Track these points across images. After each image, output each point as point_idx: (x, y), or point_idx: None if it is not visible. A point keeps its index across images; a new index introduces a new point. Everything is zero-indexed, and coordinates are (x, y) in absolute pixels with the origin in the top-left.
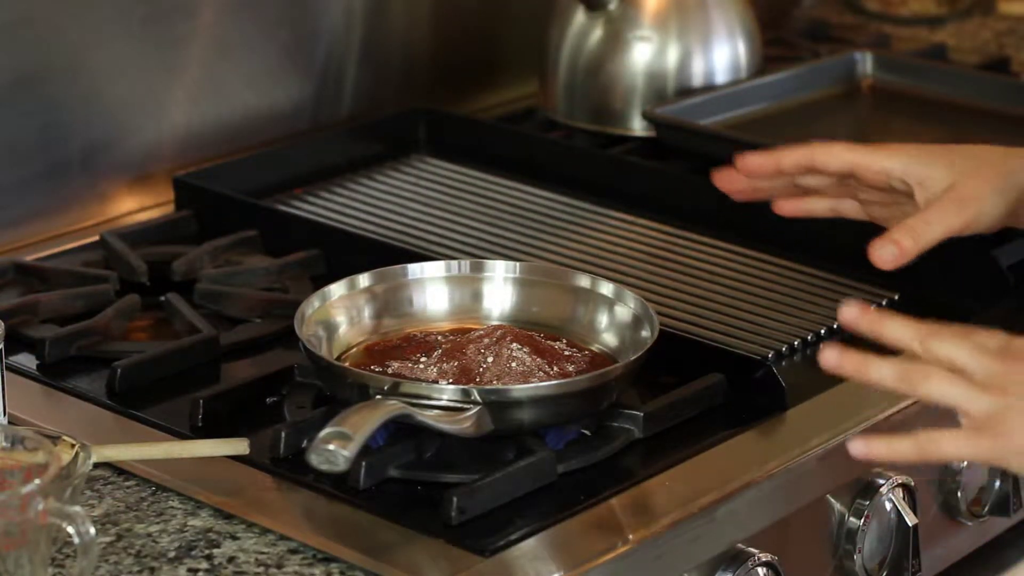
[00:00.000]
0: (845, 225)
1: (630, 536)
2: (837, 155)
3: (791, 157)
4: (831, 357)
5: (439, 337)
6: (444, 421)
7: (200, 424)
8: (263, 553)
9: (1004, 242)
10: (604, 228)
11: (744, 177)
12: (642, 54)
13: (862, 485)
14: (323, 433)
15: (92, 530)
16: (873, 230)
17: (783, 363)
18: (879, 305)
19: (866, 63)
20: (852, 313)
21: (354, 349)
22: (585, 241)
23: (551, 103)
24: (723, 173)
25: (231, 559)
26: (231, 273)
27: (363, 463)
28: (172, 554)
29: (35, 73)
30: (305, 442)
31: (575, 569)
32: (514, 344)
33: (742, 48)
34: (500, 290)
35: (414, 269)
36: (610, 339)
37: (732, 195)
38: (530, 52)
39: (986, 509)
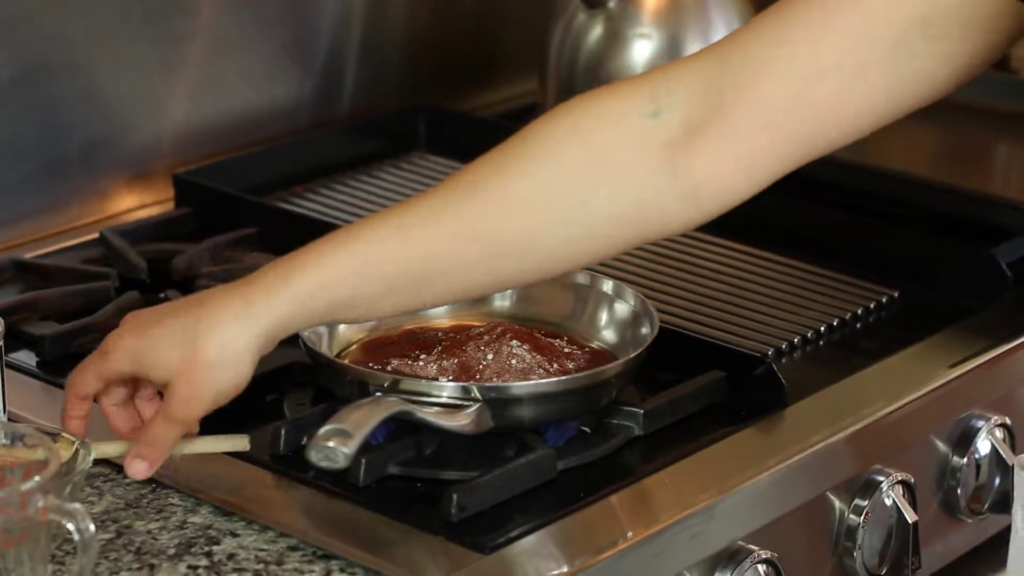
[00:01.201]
0: (845, 223)
1: (630, 533)
2: (80, 393)
3: (73, 413)
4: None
5: (439, 334)
6: (444, 418)
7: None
8: (263, 550)
9: (1004, 240)
10: None
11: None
12: (642, 51)
13: (862, 482)
14: (323, 430)
15: (92, 527)
16: (875, 226)
17: (783, 360)
18: (879, 303)
19: None
20: None
21: (354, 346)
22: None
23: (551, 100)
24: None
25: (231, 556)
26: (231, 270)
27: (363, 460)
28: (172, 551)
29: (35, 70)
30: (305, 439)
31: (575, 566)
32: (514, 341)
33: None
34: None
35: None
36: (610, 336)
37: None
38: (530, 49)
39: (986, 506)
